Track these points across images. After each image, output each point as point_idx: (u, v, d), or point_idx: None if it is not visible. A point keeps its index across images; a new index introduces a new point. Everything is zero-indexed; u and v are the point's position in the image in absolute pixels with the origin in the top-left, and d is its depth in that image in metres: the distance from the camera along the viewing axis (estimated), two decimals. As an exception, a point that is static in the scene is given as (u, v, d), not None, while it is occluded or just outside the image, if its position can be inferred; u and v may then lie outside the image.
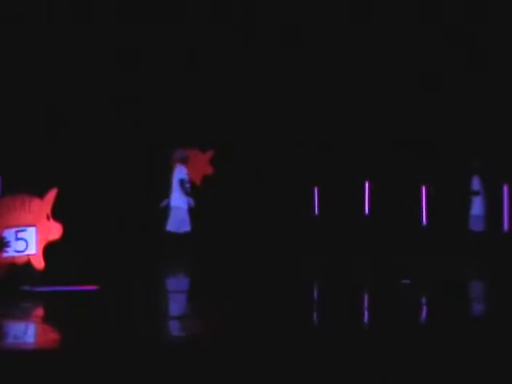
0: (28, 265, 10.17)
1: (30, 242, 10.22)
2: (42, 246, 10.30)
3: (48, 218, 10.34)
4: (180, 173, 13.78)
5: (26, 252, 10.19)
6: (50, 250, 10.25)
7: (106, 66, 15.95)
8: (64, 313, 8.78)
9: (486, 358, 6.71)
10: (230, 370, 6.35)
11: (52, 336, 7.88)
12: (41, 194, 10.45)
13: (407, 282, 10.60)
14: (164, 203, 13.79)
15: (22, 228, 10.20)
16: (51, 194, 10.47)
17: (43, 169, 14.27)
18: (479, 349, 6.89)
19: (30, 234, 10.24)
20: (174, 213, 13.66)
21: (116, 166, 15.61)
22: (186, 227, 13.65)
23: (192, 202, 13.74)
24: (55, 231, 10.38)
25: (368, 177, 16.32)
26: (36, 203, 10.38)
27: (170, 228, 13.64)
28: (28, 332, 8.02)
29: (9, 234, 10.15)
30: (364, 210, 16.20)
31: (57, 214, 10.30)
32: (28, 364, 6.40)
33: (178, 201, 13.68)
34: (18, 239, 10.19)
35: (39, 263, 10.24)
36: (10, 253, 10.12)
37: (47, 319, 8.80)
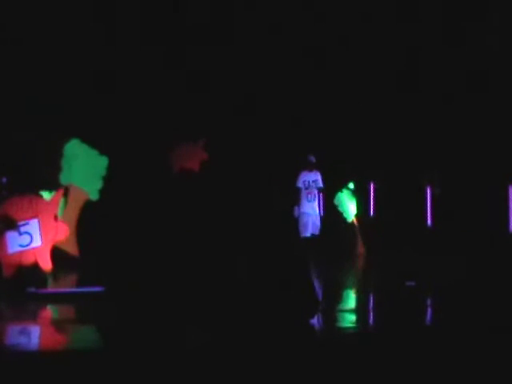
0: (35, 266, 10.22)
1: (34, 235, 10.26)
2: (49, 247, 10.35)
3: (55, 219, 10.41)
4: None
5: (32, 245, 10.23)
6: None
7: None
8: (75, 315, 8.79)
9: (490, 360, 6.73)
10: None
11: (58, 338, 7.89)
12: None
13: (412, 283, 10.61)
14: (296, 212, 13.92)
15: (25, 222, 10.21)
16: (58, 195, 10.54)
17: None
18: (484, 351, 6.91)
19: (33, 226, 10.28)
20: (307, 219, 13.83)
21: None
22: (316, 231, 13.83)
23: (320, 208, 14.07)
24: (62, 232, 10.46)
25: (372, 178, 16.33)
26: (43, 203, 10.44)
27: (305, 234, 13.79)
28: (34, 334, 8.04)
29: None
30: (368, 211, 16.22)
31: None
32: (34, 367, 6.42)
33: (308, 207, 13.85)
34: (21, 234, 10.23)
35: (46, 265, 10.28)
36: (15, 247, 10.17)
37: (54, 321, 8.83)
